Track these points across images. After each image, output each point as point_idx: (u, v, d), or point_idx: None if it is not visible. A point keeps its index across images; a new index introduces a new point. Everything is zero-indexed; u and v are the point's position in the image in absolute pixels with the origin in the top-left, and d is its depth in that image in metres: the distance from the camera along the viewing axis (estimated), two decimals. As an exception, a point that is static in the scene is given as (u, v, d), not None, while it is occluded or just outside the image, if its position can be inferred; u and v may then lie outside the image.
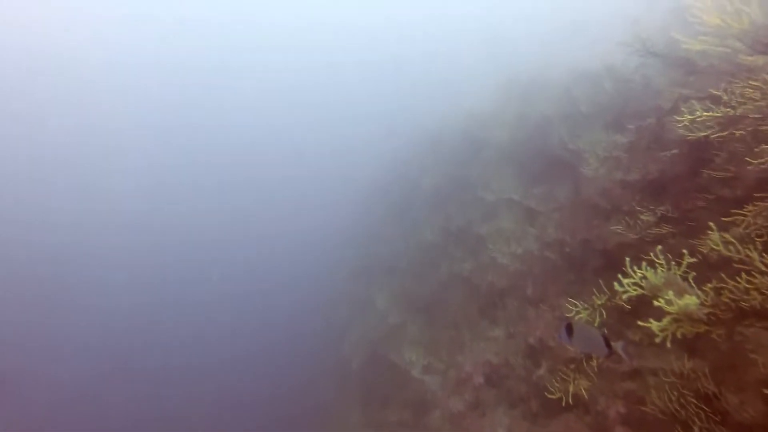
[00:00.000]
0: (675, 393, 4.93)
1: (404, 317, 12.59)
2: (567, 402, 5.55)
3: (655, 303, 3.35)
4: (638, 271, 3.80)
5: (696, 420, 4.60)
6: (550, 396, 5.67)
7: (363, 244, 19.33)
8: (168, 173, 49.59)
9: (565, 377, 5.80)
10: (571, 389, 5.29)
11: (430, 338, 10.82)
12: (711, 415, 4.51)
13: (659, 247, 3.85)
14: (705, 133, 4.49)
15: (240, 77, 61.36)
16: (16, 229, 35.66)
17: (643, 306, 5.05)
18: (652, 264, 4.02)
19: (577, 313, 5.49)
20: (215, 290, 33.37)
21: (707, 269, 4.22)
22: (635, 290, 3.79)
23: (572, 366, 5.81)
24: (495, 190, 11.65)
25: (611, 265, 7.06)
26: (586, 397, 5.47)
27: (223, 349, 26.02)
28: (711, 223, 3.79)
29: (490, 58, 20.34)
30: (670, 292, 3.29)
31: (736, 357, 4.72)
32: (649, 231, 5.87)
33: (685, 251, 3.75)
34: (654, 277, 3.55)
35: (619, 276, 3.98)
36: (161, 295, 32.93)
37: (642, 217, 6.34)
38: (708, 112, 4.61)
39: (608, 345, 3.88)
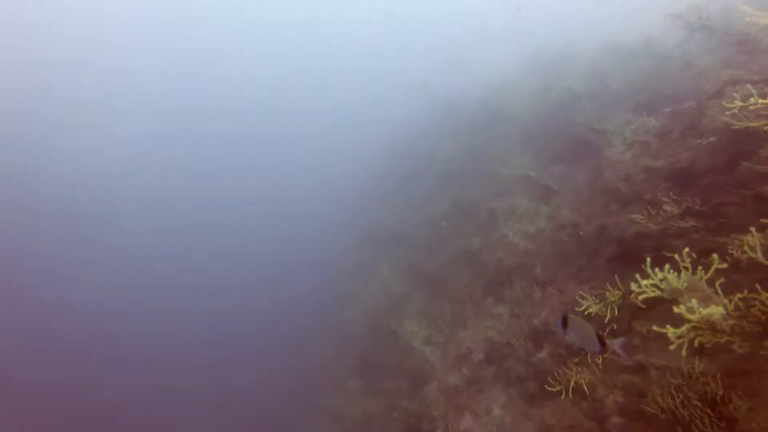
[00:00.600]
0: (679, 394, 4.76)
1: (408, 288, 12.55)
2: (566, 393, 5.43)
3: (675, 310, 3.09)
4: (658, 272, 3.51)
5: (699, 423, 4.44)
6: (550, 389, 5.53)
7: (373, 210, 19.14)
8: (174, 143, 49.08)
9: (567, 369, 5.65)
10: (572, 382, 5.13)
11: (433, 311, 10.77)
12: (716, 420, 4.34)
13: (686, 249, 3.54)
14: (756, 124, 4.05)
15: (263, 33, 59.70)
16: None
17: (657, 303, 4.80)
18: (674, 263, 3.73)
19: (588, 307, 5.25)
20: (227, 244, 33.82)
21: (736, 274, 3.93)
22: (653, 292, 3.53)
23: (575, 359, 5.63)
24: (511, 166, 11.23)
25: (626, 254, 6.78)
26: (586, 390, 5.33)
27: (229, 297, 26.59)
28: (750, 227, 3.46)
29: (517, 26, 19.19)
30: (693, 300, 3.03)
31: (751, 363, 4.50)
32: (671, 223, 5.51)
33: (715, 256, 3.45)
34: (676, 281, 3.29)
35: (637, 276, 3.70)
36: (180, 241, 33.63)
37: (665, 207, 5.97)
38: (765, 98, 4.15)
39: (602, 342, 3.82)
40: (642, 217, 5.62)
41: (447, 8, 41.64)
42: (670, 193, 5.55)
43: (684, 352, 3.13)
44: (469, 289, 10.58)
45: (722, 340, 3.18)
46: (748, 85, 5.12)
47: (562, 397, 5.26)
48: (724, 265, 3.35)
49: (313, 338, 17.21)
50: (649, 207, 6.29)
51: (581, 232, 7.46)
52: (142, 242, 34.99)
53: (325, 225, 24.39)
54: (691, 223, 5.35)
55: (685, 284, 3.19)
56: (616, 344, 3.90)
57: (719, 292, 3.29)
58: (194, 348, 23.10)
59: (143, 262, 32.42)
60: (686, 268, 3.38)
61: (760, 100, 3.73)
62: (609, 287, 7.11)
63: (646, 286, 3.50)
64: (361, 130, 32.03)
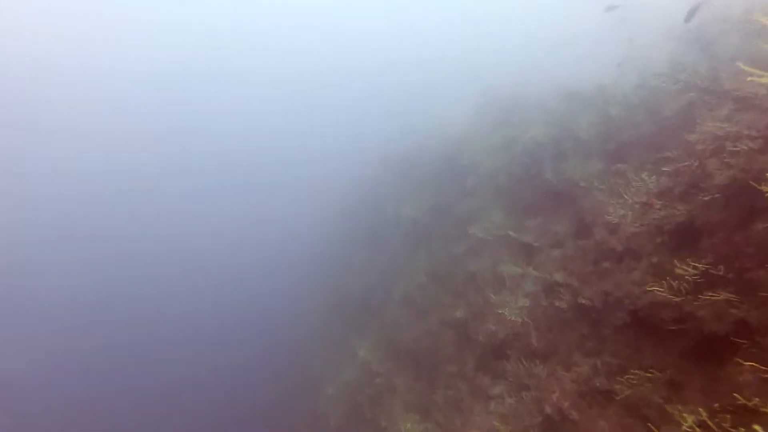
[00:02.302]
0: None
1: (390, 368, 11.29)
2: None
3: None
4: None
5: None
6: None
7: (339, 276, 17.91)
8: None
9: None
10: None
11: (423, 397, 9.55)
12: None
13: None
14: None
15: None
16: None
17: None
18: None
19: None
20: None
21: None
22: None
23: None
24: (483, 223, 10.62)
25: (639, 323, 6.09)
26: None
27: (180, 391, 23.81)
28: None
29: (467, 74, 19.57)
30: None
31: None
32: (699, 296, 4.87)
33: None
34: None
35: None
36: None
37: (678, 270, 5.36)
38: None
39: None
40: (662, 290, 4.93)
41: (387, 59, 43.02)
42: (688, 260, 4.93)
43: None
44: (459, 368, 9.53)
45: None
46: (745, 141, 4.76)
47: None
48: None
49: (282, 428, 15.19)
50: (659, 271, 5.70)
51: (582, 300, 6.73)
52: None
53: (286, 295, 22.70)
54: (722, 295, 4.72)
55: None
56: None
57: None
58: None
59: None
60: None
61: None
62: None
63: None
64: (320, 188, 31.21)
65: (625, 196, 5.84)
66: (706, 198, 5.27)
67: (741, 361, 4.93)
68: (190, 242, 41.62)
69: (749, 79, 3.93)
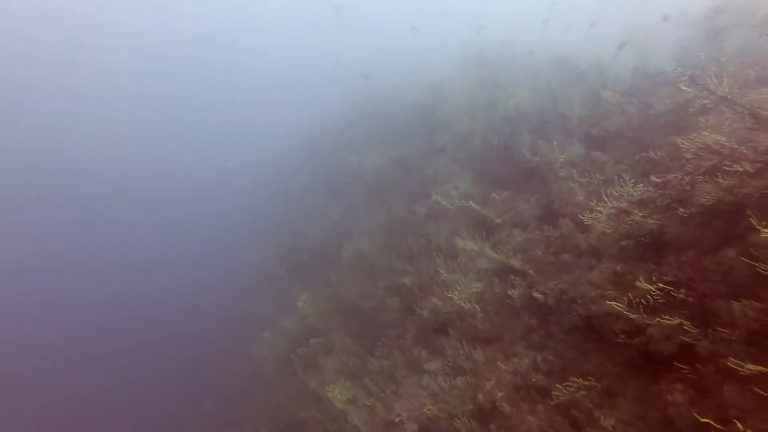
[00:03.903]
0: None
1: (329, 326, 11.15)
2: None
3: None
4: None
5: None
6: None
7: (290, 218, 17.31)
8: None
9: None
10: None
11: (357, 360, 9.50)
12: None
13: None
14: None
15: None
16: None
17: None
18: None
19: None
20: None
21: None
22: None
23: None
24: (449, 190, 10.18)
25: (589, 329, 6.00)
26: None
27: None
28: None
29: (457, 21, 18.17)
30: None
31: None
32: (656, 318, 4.71)
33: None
34: None
35: None
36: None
37: (638, 284, 5.18)
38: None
39: None
40: (622, 307, 4.74)
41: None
42: (652, 271, 4.72)
43: None
44: (398, 336, 9.46)
45: None
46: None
47: None
48: None
49: (218, 368, 15.19)
50: (621, 280, 5.51)
51: (536, 294, 6.56)
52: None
53: (240, 237, 21.89)
54: (677, 320, 4.57)
55: None
56: None
57: None
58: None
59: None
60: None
61: None
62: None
63: None
64: (281, 122, 29.37)
65: (605, 199, 5.47)
66: (684, 213, 4.98)
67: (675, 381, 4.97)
68: (142, 183, 39.25)
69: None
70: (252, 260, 17.42)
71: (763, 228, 4.44)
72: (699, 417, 4.51)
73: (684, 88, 4.76)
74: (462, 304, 7.22)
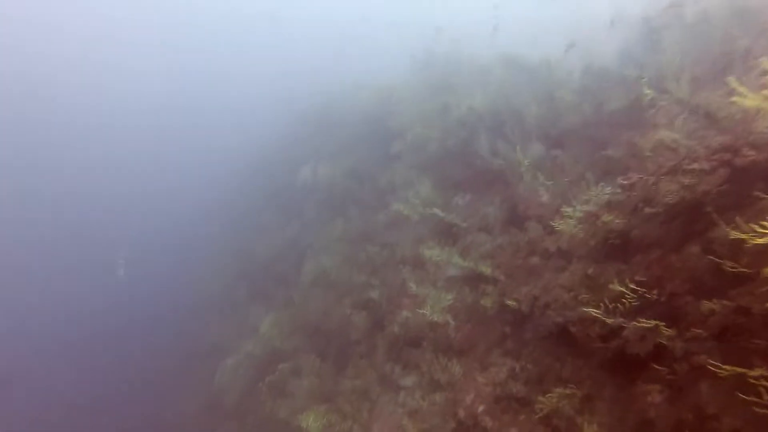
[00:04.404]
0: None
1: (294, 347, 10.71)
2: None
3: None
4: None
5: None
6: None
7: (240, 236, 16.60)
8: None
9: None
10: None
11: (328, 382, 9.15)
12: None
13: None
14: None
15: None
16: None
17: None
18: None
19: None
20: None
21: None
22: None
23: None
24: (409, 197, 10.03)
25: (565, 334, 6.01)
26: None
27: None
28: None
29: (404, 26, 18.10)
30: None
31: None
32: (631, 322, 4.74)
33: None
34: None
35: None
36: None
37: (611, 286, 5.21)
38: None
39: None
40: (598, 312, 4.73)
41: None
42: (627, 280, 4.75)
43: None
44: (369, 352, 9.21)
45: None
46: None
47: None
48: None
49: (174, 401, 14.24)
50: (593, 284, 5.54)
51: (509, 301, 6.51)
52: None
53: (187, 255, 20.69)
54: (653, 322, 4.61)
55: None
56: None
57: None
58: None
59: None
60: None
61: None
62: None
63: None
64: (230, 141, 28.04)
65: (573, 203, 5.49)
66: (649, 212, 5.06)
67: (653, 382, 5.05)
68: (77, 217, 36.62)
69: (734, 99, 3.52)
70: (206, 286, 16.55)
71: (726, 225, 4.57)
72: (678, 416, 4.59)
73: (647, 91, 4.82)
74: (435, 320, 7.05)
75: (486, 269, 7.48)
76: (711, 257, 4.63)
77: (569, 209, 5.47)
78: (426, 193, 10.03)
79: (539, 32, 10.44)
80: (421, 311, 7.16)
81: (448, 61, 13.45)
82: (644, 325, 4.64)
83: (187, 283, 18.26)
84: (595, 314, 4.89)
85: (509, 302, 6.61)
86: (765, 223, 3.78)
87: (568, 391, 5.51)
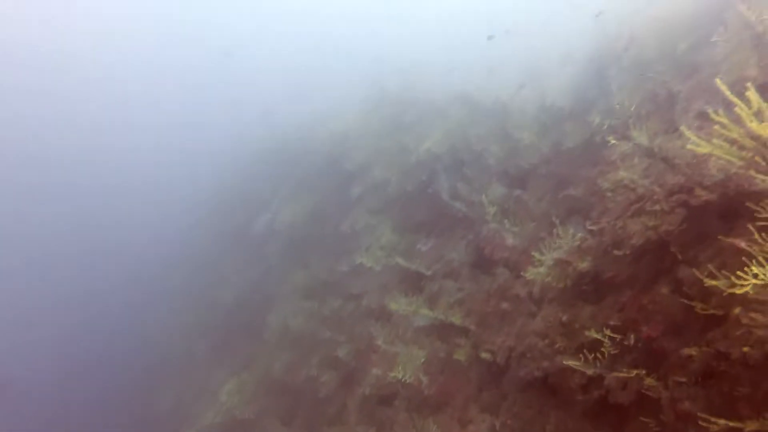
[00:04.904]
0: None
1: (259, 409, 9.96)
2: None
3: None
4: None
5: None
6: None
7: (200, 289, 15.70)
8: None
9: None
10: None
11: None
12: None
13: None
14: None
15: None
16: None
17: None
18: None
19: None
20: None
21: None
22: None
23: None
24: (372, 247, 9.77)
25: (546, 384, 5.76)
26: None
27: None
28: None
29: (354, 64, 18.30)
30: None
31: None
32: (613, 372, 4.57)
33: None
34: None
35: None
36: None
37: (587, 333, 5.06)
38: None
39: None
40: (577, 364, 4.53)
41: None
42: (603, 327, 4.60)
43: None
44: (339, 414, 8.62)
45: None
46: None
47: None
48: None
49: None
50: (567, 330, 5.37)
51: (483, 354, 6.23)
52: None
53: (142, 312, 19.36)
54: (633, 371, 4.45)
55: None
56: None
57: None
58: None
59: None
60: None
61: None
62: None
63: None
64: (185, 188, 27.02)
65: (543, 250, 5.37)
66: (616, 253, 5.00)
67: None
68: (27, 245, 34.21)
69: (689, 146, 3.52)
70: (165, 345, 15.41)
71: (690, 266, 4.56)
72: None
73: (613, 141, 4.85)
74: (408, 381, 6.65)
75: (456, 319, 7.22)
76: (682, 300, 4.56)
77: (539, 256, 5.33)
78: (387, 239, 9.80)
79: (492, 71, 10.69)
80: (392, 374, 6.72)
81: (402, 99, 13.56)
82: (625, 374, 4.46)
83: (144, 343, 16.98)
84: (574, 365, 4.68)
85: (484, 354, 6.35)
86: (726, 272, 3.77)
87: (553, 449, 5.21)
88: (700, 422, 4.11)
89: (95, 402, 17.58)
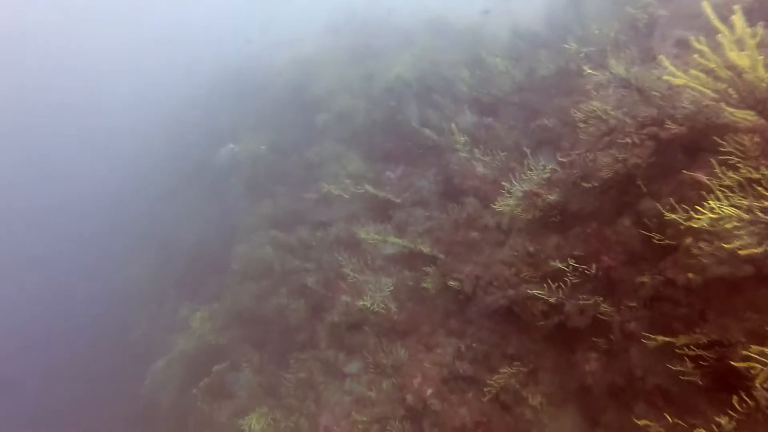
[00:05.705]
0: None
1: (231, 337, 10.22)
2: None
3: None
4: None
5: None
6: None
7: (161, 223, 15.30)
8: None
9: None
10: None
11: (271, 379, 8.84)
12: None
13: None
14: None
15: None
16: None
17: None
18: None
19: None
20: None
21: None
22: None
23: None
24: (338, 175, 9.61)
25: (511, 311, 6.08)
26: None
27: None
28: None
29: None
30: None
31: None
32: (573, 300, 4.85)
33: None
34: None
35: None
36: None
37: (552, 263, 5.30)
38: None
39: None
40: (541, 292, 4.78)
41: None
42: (566, 257, 4.82)
43: None
44: (310, 341, 8.95)
45: None
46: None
47: None
48: None
49: (100, 412, 13.30)
50: (535, 261, 5.60)
51: (451, 282, 6.47)
52: None
53: (101, 248, 18.74)
54: (593, 299, 4.74)
55: None
56: None
57: None
58: None
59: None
60: None
61: None
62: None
63: None
64: (140, 115, 25.08)
65: (512, 181, 5.40)
66: (584, 186, 5.11)
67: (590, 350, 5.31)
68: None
69: (665, 77, 3.47)
70: (128, 281, 15.20)
71: (653, 198, 4.72)
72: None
73: (589, 71, 4.72)
74: (377, 310, 6.88)
75: (425, 247, 7.39)
76: (642, 231, 4.77)
77: (509, 187, 5.38)
78: (355, 167, 9.66)
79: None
80: (361, 303, 6.92)
81: (367, 19, 12.75)
82: (584, 301, 4.76)
83: (106, 278, 16.70)
84: (538, 294, 4.94)
85: (451, 283, 6.58)
86: (685, 206, 3.92)
87: (513, 369, 5.64)
88: (642, 340, 4.53)
89: (70, 339, 17.49)
